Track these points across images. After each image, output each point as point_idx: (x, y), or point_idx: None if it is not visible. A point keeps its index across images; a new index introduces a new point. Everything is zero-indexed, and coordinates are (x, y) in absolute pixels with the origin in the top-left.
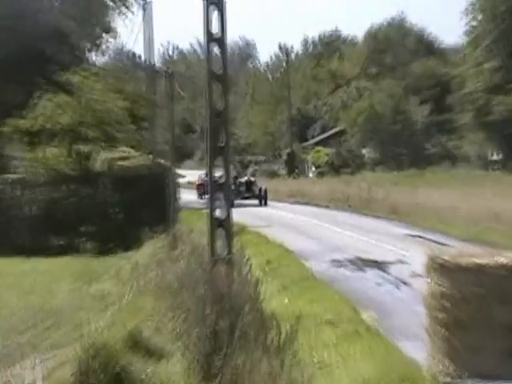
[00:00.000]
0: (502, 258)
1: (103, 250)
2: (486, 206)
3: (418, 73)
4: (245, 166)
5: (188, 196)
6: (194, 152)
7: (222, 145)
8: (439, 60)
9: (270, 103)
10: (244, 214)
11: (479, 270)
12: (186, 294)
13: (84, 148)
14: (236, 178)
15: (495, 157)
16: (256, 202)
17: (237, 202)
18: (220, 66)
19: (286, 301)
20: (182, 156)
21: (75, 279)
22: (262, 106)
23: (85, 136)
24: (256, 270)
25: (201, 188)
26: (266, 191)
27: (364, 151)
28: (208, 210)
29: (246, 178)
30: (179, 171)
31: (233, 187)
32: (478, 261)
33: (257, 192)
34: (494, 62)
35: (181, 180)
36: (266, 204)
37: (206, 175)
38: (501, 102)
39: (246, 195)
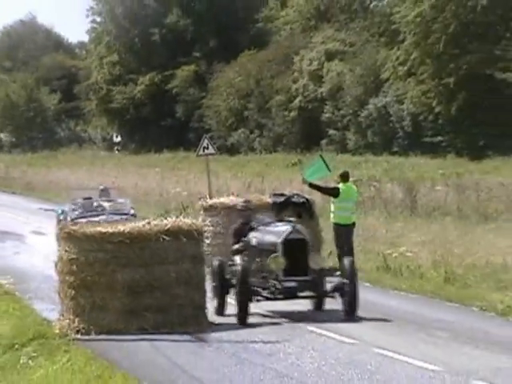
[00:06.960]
0: (121, 227)
1: None
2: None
3: (48, 65)
4: None
5: None
6: None
7: None
8: (67, 54)
9: None
10: None
11: (102, 237)
12: None
13: None
14: None
15: (118, 139)
16: None
17: None
18: None
19: None
20: None
21: None
22: None
23: None
24: None
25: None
26: None
27: (2, 135)
28: None
29: None
30: None
31: None
32: (101, 230)
33: None
34: (113, 56)
35: None
36: None
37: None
38: (119, 91)
39: None
